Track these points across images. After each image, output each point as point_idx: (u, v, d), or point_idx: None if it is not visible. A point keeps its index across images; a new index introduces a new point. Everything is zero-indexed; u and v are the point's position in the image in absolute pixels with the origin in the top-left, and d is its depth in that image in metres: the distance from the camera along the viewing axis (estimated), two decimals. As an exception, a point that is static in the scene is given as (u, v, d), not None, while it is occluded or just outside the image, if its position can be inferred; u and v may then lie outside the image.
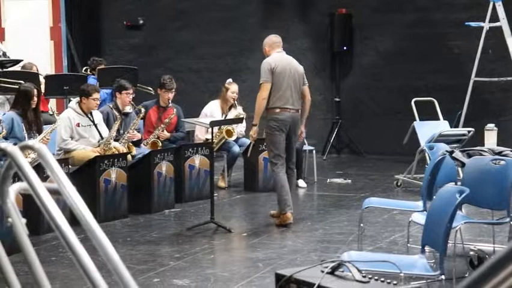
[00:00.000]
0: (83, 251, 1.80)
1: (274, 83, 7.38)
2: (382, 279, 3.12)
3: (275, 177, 7.47)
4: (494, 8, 9.97)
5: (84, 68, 10.98)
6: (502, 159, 5.40)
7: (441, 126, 9.59)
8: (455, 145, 8.55)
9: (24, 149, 2.06)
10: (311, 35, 12.86)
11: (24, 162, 1.94)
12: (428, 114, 10.16)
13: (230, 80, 9.76)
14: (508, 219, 5.34)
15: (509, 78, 10.23)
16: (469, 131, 9.17)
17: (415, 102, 10.13)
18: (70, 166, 7.45)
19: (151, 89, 10.29)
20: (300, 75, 7.55)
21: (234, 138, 9.38)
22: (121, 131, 8.56)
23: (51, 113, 8.38)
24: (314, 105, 12.67)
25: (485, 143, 6.56)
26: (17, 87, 8.16)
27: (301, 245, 6.64)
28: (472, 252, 5.78)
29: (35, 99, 7.72)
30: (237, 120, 8.76)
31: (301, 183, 9.53)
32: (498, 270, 1.19)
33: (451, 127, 9.93)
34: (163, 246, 6.69)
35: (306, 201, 9.03)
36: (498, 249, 5.75)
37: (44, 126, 7.93)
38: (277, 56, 7.53)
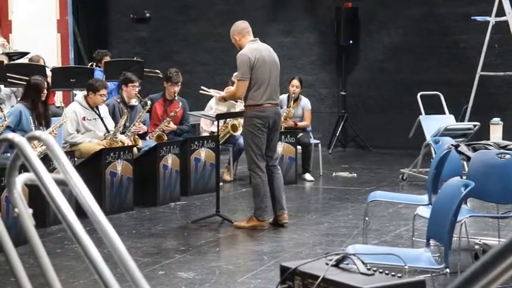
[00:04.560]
0: (89, 242, 1.81)
1: (258, 78, 6.72)
2: (387, 271, 3.12)
3: (258, 181, 6.83)
4: (500, 2, 9.95)
5: (90, 64, 10.99)
6: (508, 153, 5.39)
7: (447, 120, 9.58)
8: (460, 139, 8.54)
9: (31, 139, 2.07)
10: (317, 28, 12.84)
11: (31, 152, 1.95)
12: (434, 108, 10.15)
13: (236, 73, 9.73)
14: (513, 213, 5.34)
15: (515, 73, 10.22)
16: (474, 125, 9.16)
17: (421, 96, 10.12)
18: (75, 159, 7.45)
19: (158, 71, 10.30)
20: (278, 64, 6.96)
21: (239, 132, 9.38)
22: (127, 124, 8.58)
23: (58, 105, 8.38)
24: (320, 99, 12.78)
25: (490, 137, 6.54)
26: (24, 82, 8.09)
27: (307, 238, 6.65)
28: (477, 246, 5.78)
29: (45, 92, 7.61)
30: (243, 113, 8.74)
31: (308, 176, 9.54)
32: (497, 263, 1.20)
33: (457, 121, 9.93)
34: (169, 239, 6.70)
35: (312, 195, 9.04)
36: (503, 243, 5.73)
37: (51, 118, 7.91)
38: (254, 47, 6.78)
